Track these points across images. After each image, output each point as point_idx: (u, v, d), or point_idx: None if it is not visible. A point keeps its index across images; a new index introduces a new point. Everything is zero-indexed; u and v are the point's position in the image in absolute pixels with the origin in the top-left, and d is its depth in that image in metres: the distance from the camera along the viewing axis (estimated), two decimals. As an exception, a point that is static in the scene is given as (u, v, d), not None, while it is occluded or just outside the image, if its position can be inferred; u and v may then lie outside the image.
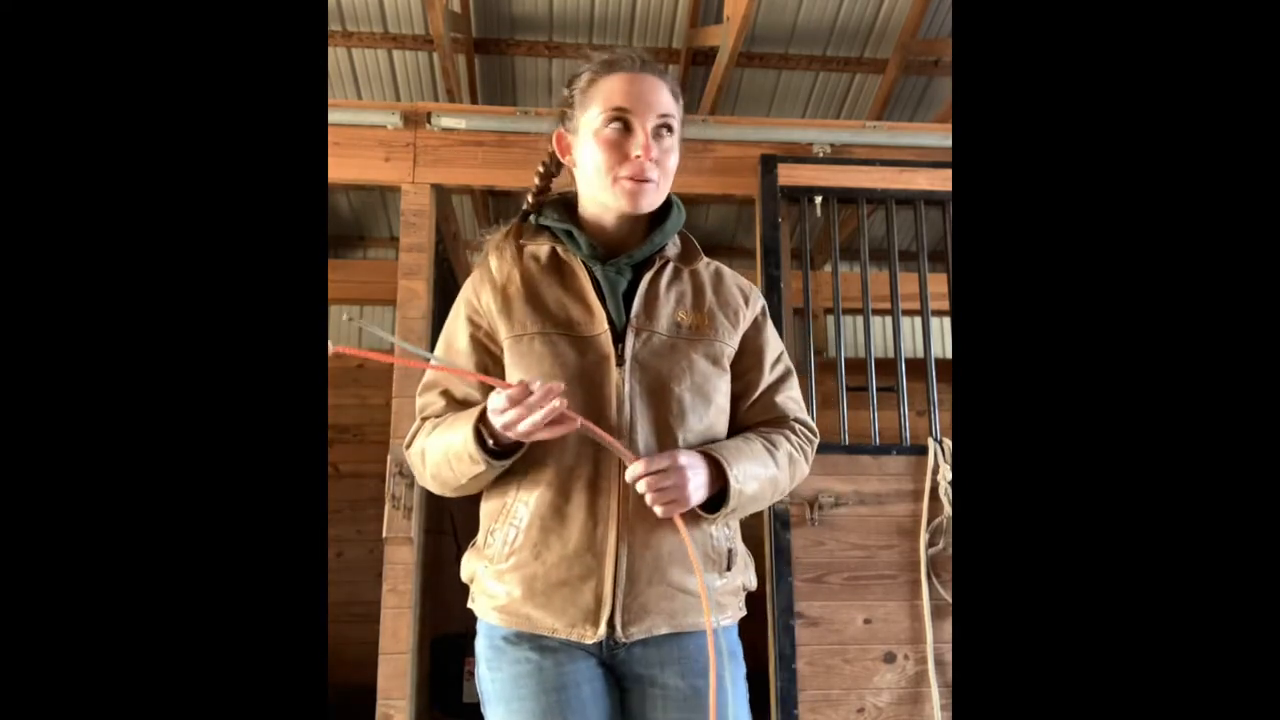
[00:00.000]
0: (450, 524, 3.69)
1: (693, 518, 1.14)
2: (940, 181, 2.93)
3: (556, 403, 1.02)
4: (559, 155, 1.27)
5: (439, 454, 1.17)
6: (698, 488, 1.10)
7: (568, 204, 1.27)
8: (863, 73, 4.03)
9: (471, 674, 1.25)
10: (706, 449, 1.14)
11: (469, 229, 4.39)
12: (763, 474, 1.17)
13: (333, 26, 3.66)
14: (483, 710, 1.19)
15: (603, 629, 1.12)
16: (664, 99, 1.19)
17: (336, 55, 3.83)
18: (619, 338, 1.18)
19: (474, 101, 4.03)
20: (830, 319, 3.78)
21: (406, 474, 2.57)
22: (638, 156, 1.16)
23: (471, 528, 1.25)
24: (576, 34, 3.82)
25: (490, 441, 1.11)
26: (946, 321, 4.88)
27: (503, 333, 1.20)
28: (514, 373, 1.18)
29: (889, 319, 2.95)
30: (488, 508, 1.22)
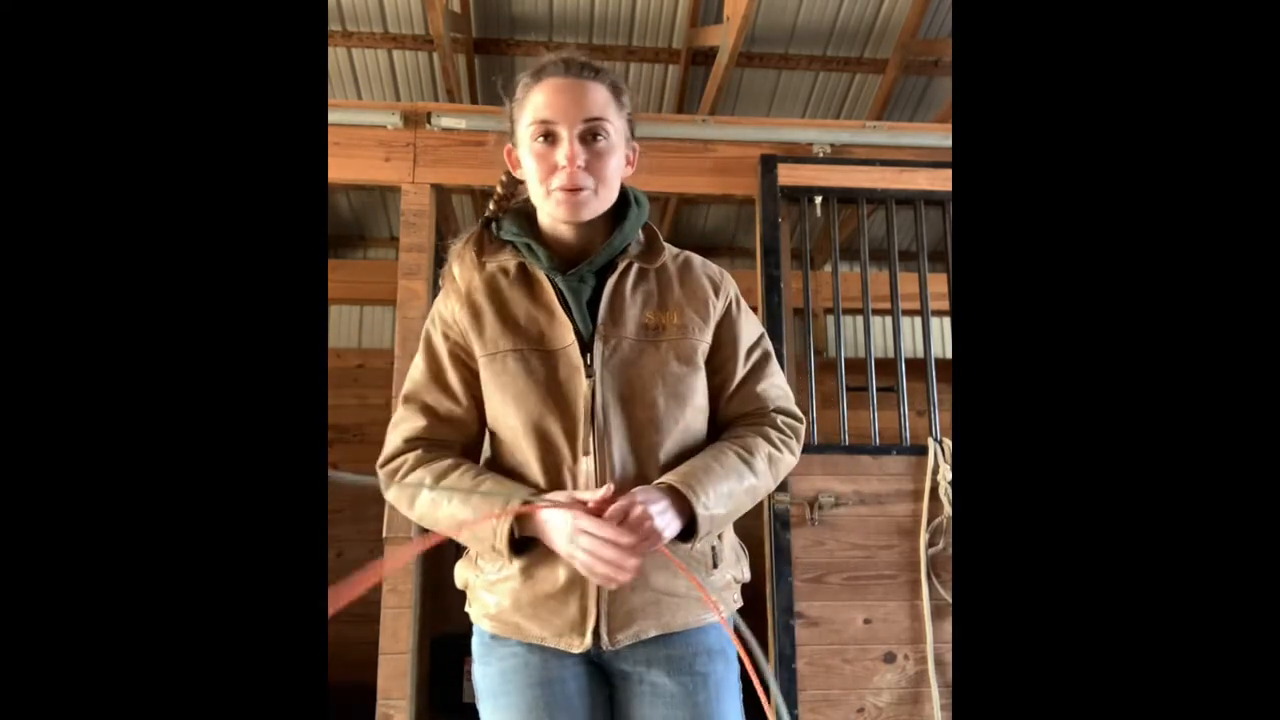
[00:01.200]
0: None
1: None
2: (940, 181, 2.93)
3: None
4: (511, 169, 1.24)
5: (447, 519, 1.12)
6: (665, 525, 1.06)
7: (529, 215, 1.23)
8: (863, 73, 4.03)
9: (470, 673, 1.26)
10: (671, 481, 1.10)
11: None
12: (738, 488, 1.13)
13: (333, 26, 3.67)
14: (477, 706, 1.21)
15: (589, 639, 1.13)
16: (593, 102, 1.14)
17: (336, 55, 3.83)
18: (587, 348, 1.15)
19: (474, 101, 4.02)
20: (830, 319, 3.78)
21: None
22: (563, 166, 1.13)
23: (471, 530, 1.26)
24: (576, 34, 3.82)
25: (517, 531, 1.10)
26: (946, 321, 4.89)
27: (476, 350, 1.18)
28: (491, 391, 1.17)
29: (889, 319, 2.95)
30: None
